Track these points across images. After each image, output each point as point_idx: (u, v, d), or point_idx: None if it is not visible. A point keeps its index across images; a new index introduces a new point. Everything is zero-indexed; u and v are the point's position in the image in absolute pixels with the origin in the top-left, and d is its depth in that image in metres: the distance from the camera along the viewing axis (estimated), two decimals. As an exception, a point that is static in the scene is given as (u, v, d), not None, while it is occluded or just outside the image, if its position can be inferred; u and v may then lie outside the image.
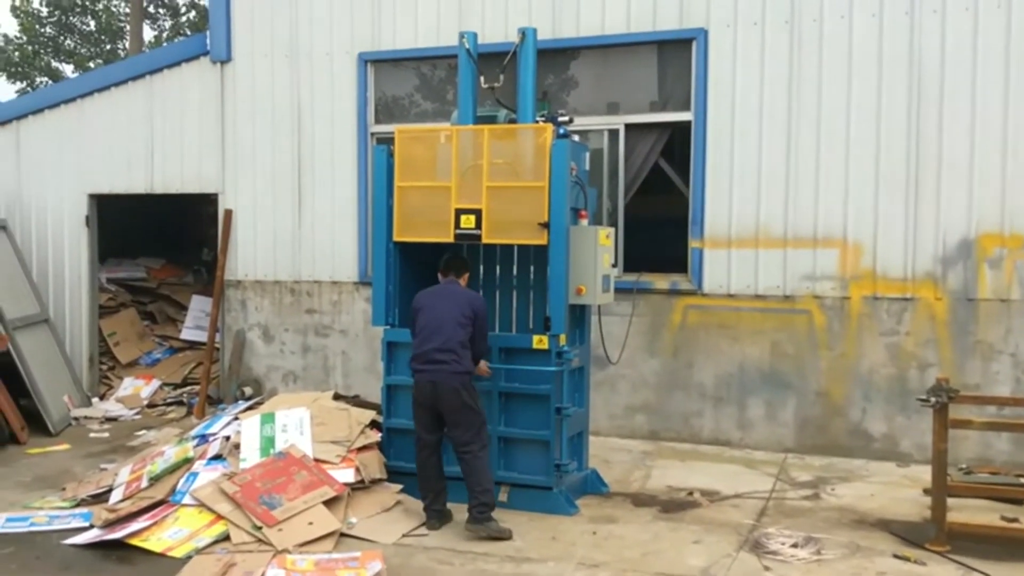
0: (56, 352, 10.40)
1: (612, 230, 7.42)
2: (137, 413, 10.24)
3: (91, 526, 6.42)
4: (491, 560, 5.85)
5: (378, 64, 9.80)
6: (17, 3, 24.60)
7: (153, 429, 9.47)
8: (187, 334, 11.85)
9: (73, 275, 10.89)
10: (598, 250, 6.82)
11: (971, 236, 7.89)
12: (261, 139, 10.18)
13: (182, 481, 6.70)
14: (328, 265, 9.96)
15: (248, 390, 10.16)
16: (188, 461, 6.95)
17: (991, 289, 7.87)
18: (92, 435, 9.38)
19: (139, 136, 10.64)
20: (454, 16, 9.30)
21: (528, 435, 6.80)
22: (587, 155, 7.32)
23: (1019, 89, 7.72)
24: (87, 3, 25.52)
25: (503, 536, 6.15)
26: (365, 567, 5.63)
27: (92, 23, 25.98)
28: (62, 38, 25.77)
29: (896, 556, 5.86)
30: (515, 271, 7.51)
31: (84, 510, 6.77)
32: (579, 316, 7.16)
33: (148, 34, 25.34)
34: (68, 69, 25.91)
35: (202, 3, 24.42)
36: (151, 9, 25.94)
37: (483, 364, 6.64)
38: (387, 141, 7.32)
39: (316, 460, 6.69)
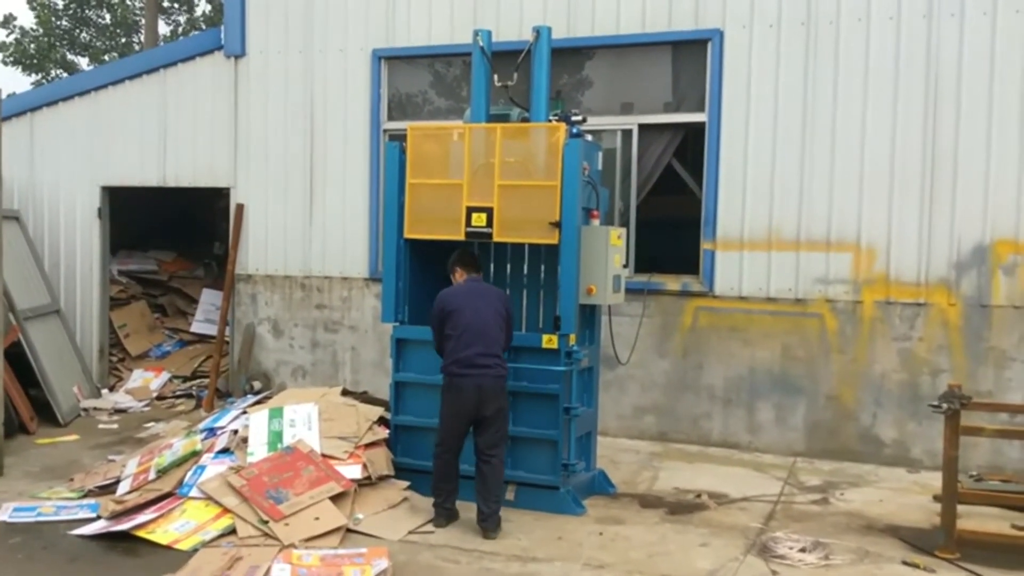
0: (67, 343, 10.44)
1: (624, 230, 7.40)
2: (146, 405, 10.26)
3: (98, 517, 6.44)
4: (497, 559, 5.84)
5: (392, 61, 9.80)
6: (34, -4, 24.73)
7: (162, 421, 9.50)
8: (197, 327, 11.88)
9: (85, 267, 10.93)
10: (609, 250, 6.79)
11: (986, 242, 7.84)
12: (273, 134, 10.19)
13: (189, 474, 6.71)
14: (339, 261, 9.96)
15: (257, 384, 10.17)
16: (196, 454, 6.96)
17: (1005, 296, 7.81)
18: (101, 426, 9.41)
19: (152, 129, 10.66)
20: (469, 14, 9.28)
21: (536, 434, 6.78)
22: (600, 155, 7.30)
23: (1037, 94, 7.68)
24: (103, -4, 25.64)
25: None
26: (371, 563, 5.62)
27: (108, 16, 26.06)
28: (78, 31, 25.85)
29: (905, 563, 5.82)
30: (526, 270, 7.50)
31: (91, 501, 6.79)
32: (589, 316, 7.14)
33: (163, 28, 25.43)
34: (83, 62, 26.01)
35: (217, -2, 24.47)
36: (166, 3, 26.01)
37: None
38: (400, 138, 7.31)
39: (323, 456, 6.69)
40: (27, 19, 34.62)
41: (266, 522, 6.02)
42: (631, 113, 8.95)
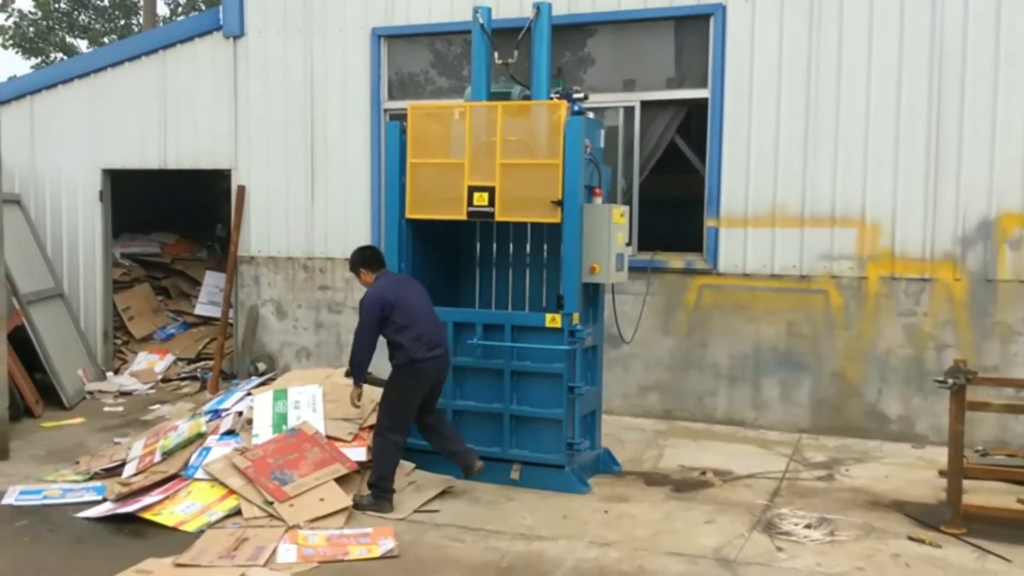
0: (70, 326, 10.45)
1: (626, 208, 7.35)
2: (151, 387, 10.28)
3: (104, 500, 6.46)
4: (503, 538, 5.84)
5: (392, 40, 9.73)
6: (33, -23, 24.60)
7: (167, 404, 9.51)
8: (201, 309, 11.87)
9: (87, 250, 10.92)
10: (612, 228, 6.75)
11: (991, 216, 7.79)
12: (274, 115, 10.14)
13: (195, 456, 6.71)
14: (341, 242, 9.92)
15: (261, 366, 10.18)
16: (201, 436, 6.97)
17: (1011, 270, 7.77)
18: (106, 409, 9.42)
19: (152, 111, 10.61)
20: (469, -9, 9.21)
21: (541, 414, 6.77)
22: (602, 132, 7.24)
23: (1043, 67, 7.60)
24: (101, -22, 25.50)
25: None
26: (377, 543, 5.64)
27: (106, -2, 25.95)
28: (76, 13, 25.73)
29: (911, 538, 5.82)
30: (528, 249, 7.47)
31: (97, 483, 6.81)
32: (592, 295, 7.11)
33: (162, 9, 25.29)
34: (83, 44, 25.89)
35: (216, -22, 24.29)
36: (165, -16, 25.86)
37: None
38: (400, 117, 7.27)
39: (328, 437, 6.69)
40: (26, 2, 34.54)
41: (271, 503, 6.03)
42: (633, 90, 8.88)
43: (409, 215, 7.07)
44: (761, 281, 8.48)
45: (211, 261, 12.62)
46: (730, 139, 8.47)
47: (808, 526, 5.98)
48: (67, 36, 25.72)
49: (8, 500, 6.49)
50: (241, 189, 10.28)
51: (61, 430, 8.59)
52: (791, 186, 8.32)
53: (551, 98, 6.93)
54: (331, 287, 10.03)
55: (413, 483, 6.63)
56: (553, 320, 6.70)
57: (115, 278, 11.35)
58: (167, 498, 6.24)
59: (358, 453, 6.65)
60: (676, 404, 8.81)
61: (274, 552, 5.51)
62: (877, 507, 6.44)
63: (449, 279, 7.69)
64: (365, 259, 6.63)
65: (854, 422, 8.24)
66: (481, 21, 7.10)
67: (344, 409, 6.94)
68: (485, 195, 6.77)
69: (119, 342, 11.24)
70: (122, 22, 26.17)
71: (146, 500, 6.23)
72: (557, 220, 6.65)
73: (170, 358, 10.88)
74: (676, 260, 8.74)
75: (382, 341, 6.38)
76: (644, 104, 8.81)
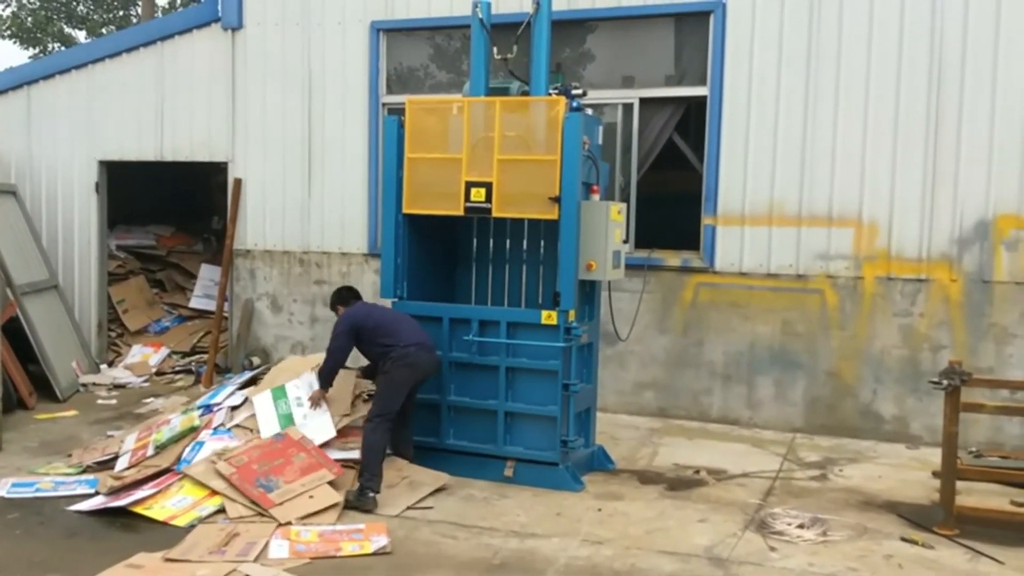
0: (65, 318, 10.41)
1: (624, 205, 7.34)
2: (145, 380, 10.25)
3: (96, 493, 6.44)
4: (496, 535, 5.83)
5: (391, 33, 9.69)
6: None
7: (161, 397, 9.48)
8: (196, 303, 11.84)
9: (83, 241, 10.88)
10: (609, 225, 6.74)
11: (988, 217, 7.78)
12: (272, 107, 10.10)
13: (187, 450, 6.69)
14: (337, 236, 9.91)
15: (256, 360, 10.15)
16: (194, 430, 6.95)
17: (1007, 272, 7.76)
18: (100, 402, 9.40)
19: (149, 103, 10.57)
20: (468, -15, 9.17)
21: (535, 411, 6.76)
22: (600, 129, 7.22)
23: (1042, 68, 7.59)
24: (100, -32, 25.40)
25: None
26: (369, 539, 5.62)
27: (105, -12, 25.86)
28: (75, 3, 25.64)
29: (904, 539, 5.81)
30: (525, 245, 7.45)
31: (90, 476, 6.79)
32: (589, 292, 7.10)
33: (161, 0, 25.18)
34: (81, 35, 25.80)
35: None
36: (163, -25, 25.74)
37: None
38: (399, 112, 7.24)
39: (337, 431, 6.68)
40: (24, -9, 34.30)
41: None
42: (632, 87, 8.86)
43: (406, 210, 7.05)
44: (757, 280, 8.47)
45: (207, 254, 12.59)
46: (728, 137, 8.45)
47: (801, 526, 5.97)
48: (65, 26, 25.63)
49: (0, 492, 6.47)
50: (238, 182, 10.25)
51: (54, 422, 8.56)
52: (789, 185, 8.31)
53: (550, 94, 6.91)
54: (327, 281, 9.99)
55: (407, 479, 6.61)
56: (549, 317, 6.68)
57: (110, 270, 11.32)
58: (159, 492, 6.22)
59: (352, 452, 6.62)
60: (671, 402, 8.80)
61: (266, 547, 5.49)
62: (870, 507, 6.43)
63: (446, 274, 7.68)
64: (341, 298, 7.03)
65: (848, 422, 8.24)
66: (480, 16, 7.07)
67: (339, 401, 6.95)
68: (482, 191, 6.75)
69: (113, 334, 11.21)
70: (120, 13, 26.08)
71: (138, 494, 6.21)
72: (554, 216, 6.63)
73: (164, 351, 10.86)
74: (673, 258, 8.73)
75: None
76: (643, 101, 8.79)
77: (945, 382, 5.86)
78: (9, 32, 24.58)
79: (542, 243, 7.38)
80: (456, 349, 6.96)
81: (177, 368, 10.63)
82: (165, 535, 5.69)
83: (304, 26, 9.93)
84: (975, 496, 6.36)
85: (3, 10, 24.66)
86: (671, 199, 9.26)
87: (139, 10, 24.70)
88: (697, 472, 7.17)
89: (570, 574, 5.29)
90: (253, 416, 6.93)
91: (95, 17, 25.91)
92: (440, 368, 6.83)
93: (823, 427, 8.30)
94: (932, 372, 6.81)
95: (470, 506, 6.32)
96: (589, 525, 6.02)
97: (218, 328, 10.39)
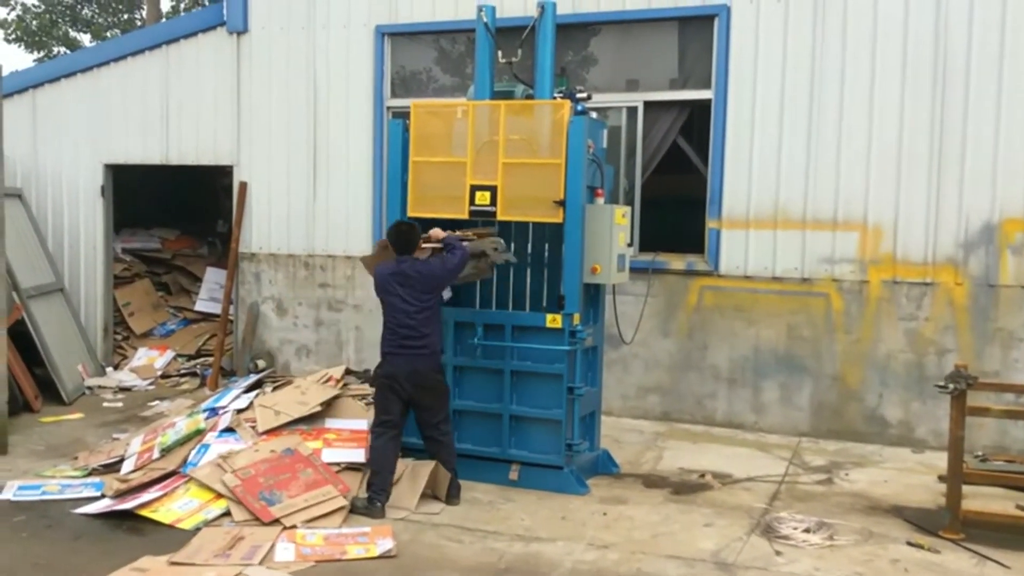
0: (71, 321, 10.43)
1: (628, 209, 7.33)
2: (150, 383, 10.26)
3: (102, 496, 6.45)
4: (501, 539, 5.83)
5: (395, 37, 9.71)
6: (36, -29, 24.56)
7: (166, 400, 9.50)
8: (201, 306, 11.85)
9: (88, 245, 10.90)
10: (614, 229, 6.74)
11: (994, 221, 7.77)
12: (277, 111, 10.12)
13: (193, 453, 6.70)
14: (342, 239, 9.92)
15: (261, 363, 10.17)
16: (200, 433, 6.96)
17: (1013, 275, 7.75)
18: (105, 404, 9.41)
19: (155, 106, 10.60)
20: (473, -11, 9.19)
21: (540, 414, 6.76)
22: (605, 132, 7.23)
23: (1048, 71, 7.58)
24: (105, -28, 25.44)
25: None
26: (374, 543, 5.62)
27: (110, -8, 25.90)
28: (80, 7, 25.69)
29: (909, 543, 5.80)
30: (530, 249, 7.45)
31: (96, 479, 6.79)
32: (593, 295, 7.10)
33: (165, 3, 25.23)
34: (85, 39, 25.86)
35: (220, -27, 24.24)
36: (168, -21, 25.80)
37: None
38: (403, 115, 7.24)
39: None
40: (30, -5, 34.39)
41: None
42: (636, 90, 8.86)
43: (411, 213, 7.05)
44: (762, 283, 8.46)
45: (212, 257, 12.60)
46: (733, 140, 8.45)
47: (807, 530, 5.96)
48: (70, 30, 25.66)
49: (6, 495, 6.48)
50: (243, 185, 10.26)
51: (60, 425, 8.58)
52: (793, 188, 8.30)
53: (554, 97, 6.92)
54: (332, 285, 10.01)
55: (412, 481, 6.61)
56: (554, 320, 6.68)
57: (116, 273, 11.34)
58: (165, 495, 6.23)
59: (356, 454, 6.62)
60: (676, 406, 8.79)
61: (271, 550, 5.50)
62: (876, 512, 6.42)
63: (450, 278, 7.67)
64: (390, 235, 6.47)
65: (854, 426, 8.22)
66: (485, 19, 7.08)
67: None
68: (487, 194, 6.76)
69: (119, 337, 11.23)
70: (125, 16, 26.11)
71: (144, 497, 6.22)
72: (559, 220, 6.64)
73: (170, 354, 10.87)
74: (677, 261, 8.72)
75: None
76: (647, 104, 8.79)
77: (951, 386, 5.85)
78: (14, 36, 24.63)
79: (547, 246, 7.37)
80: (461, 353, 6.96)
81: (182, 371, 10.64)
82: (171, 538, 5.70)
83: (309, 30, 9.95)
84: (981, 500, 6.34)
85: (8, 14, 24.72)
86: (675, 202, 9.26)
87: (144, 14, 24.74)
88: (702, 476, 7.16)
89: (575, 578, 5.30)
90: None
91: (100, 21, 25.95)
92: (429, 374, 6.35)
93: (828, 431, 8.29)
94: (938, 376, 6.79)
95: (475, 509, 6.32)
96: (594, 529, 6.01)
97: (223, 331, 10.40)
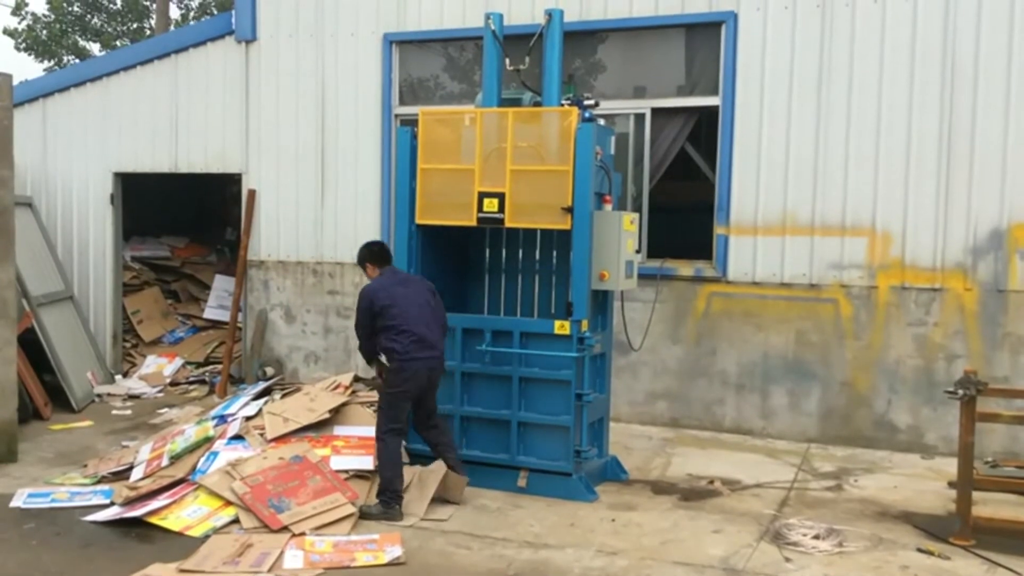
0: (80, 329, 10.47)
1: (636, 215, 7.35)
2: (160, 391, 10.29)
3: (112, 503, 6.46)
4: (509, 545, 5.83)
5: (403, 45, 9.74)
6: (46, -19, 24.70)
7: (175, 407, 9.52)
8: (210, 313, 11.90)
9: (97, 253, 10.95)
10: (622, 235, 6.75)
11: (1003, 226, 7.75)
12: (285, 119, 10.16)
13: (202, 460, 6.72)
14: (351, 246, 9.88)
15: (270, 370, 10.19)
16: (209, 440, 6.98)
17: (1022, 280, 7.72)
18: (115, 412, 9.44)
19: (164, 115, 10.65)
20: (480, -3, 9.22)
21: (548, 421, 6.76)
22: (612, 139, 7.24)
23: (1056, 76, 7.57)
24: (114, -19, 25.58)
25: None
26: (383, 550, 5.63)
27: (119, 1, 26.01)
28: (89, 17, 25.83)
29: (920, 550, 5.78)
30: (538, 256, 7.47)
31: (105, 487, 6.81)
32: (601, 302, 7.10)
33: (174, 13, 25.37)
34: (95, 48, 25.99)
35: (229, -18, 24.34)
36: (178, -12, 25.94)
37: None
38: (411, 123, 7.28)
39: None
40: (39, 5, 34.69)
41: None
42: (644, 97, 8.87)
43: (419, 220, 7.07)
44: (770, 289, 8.45)
45: (220, 265, 12.65)
46: (740, 147, 8.45)
47: (816, 536, 5.94)
48: (79, 39, 25.81)
49: (16, 503, 6.50)
50: (251, 193, 10.30)
51: (69, 433, 8.60)
52: (801, 194, 8.30)
53: (562, 104, 6.93)
54: (340, 292, 10.03)
55: (420, 488, 6.61)
56: (562, 327, 6.68)
57: (125, 281, 11.39)
58: (174, 502, 6.24)
59: (365, 462, 6.63)
60: (684, 412, 8.78)
61: (280, 558, 5.50)
62: (886, 518, 6.40)
63: (458, 285, 7.69)
64: (372, 255, 6.69)
65: (863, 432, 8.20)
66: (493, 27, 7.11)
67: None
68: (495, 201, 6.77)
69: (128, 345, 11.27)
70: (134, 26, 26.25)
71: (153, 504, 6.24)
72: (567, 227, 6.65)
73: (179, 361, 10.91)
74: (685, 267, 8.72)
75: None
76: (655, 111, 8.80)
77: (961, 392, 5.83)
78: (24, 45, 24.78)
79: (555, 253, 7.39)
80: (469, 359, 6.96)
81: (191, 378, 10.68)
82: (180, 545, 5.71)
83: (317, 38, 9.99)
84: (991, 506, 6.32)
85: (18, 23, 24.87)
86: (683, 209, 9.26)
87: (153, 23, 24.87)
88: (711, 482, 7.15)
89: (584, 585, 5.29)
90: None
91: (109, 30, 26.09)
92: (441, 372, 6.58)
93: (837, 437, 8.26)
94: (947, 382, 6.78)
95: (484, 516, 6.31)
96: (603, 536, 6.01)
97: (232, 338, 10.43)
